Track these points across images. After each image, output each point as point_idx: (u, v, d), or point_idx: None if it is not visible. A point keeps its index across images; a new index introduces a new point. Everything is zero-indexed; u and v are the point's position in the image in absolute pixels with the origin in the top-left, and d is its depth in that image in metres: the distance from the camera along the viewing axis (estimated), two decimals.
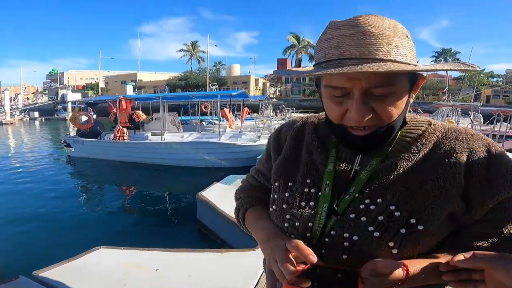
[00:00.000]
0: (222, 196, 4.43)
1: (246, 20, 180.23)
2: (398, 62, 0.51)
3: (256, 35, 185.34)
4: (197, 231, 4.57)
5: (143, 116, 11.05)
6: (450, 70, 0.54)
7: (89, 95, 37.37)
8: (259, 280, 2.25)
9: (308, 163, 0.67)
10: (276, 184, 0.70)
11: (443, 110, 16.06)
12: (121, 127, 9.91)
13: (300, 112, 19.24)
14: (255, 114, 18.26)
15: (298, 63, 42.90)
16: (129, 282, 2.35)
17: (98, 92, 43.60)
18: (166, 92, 31.86)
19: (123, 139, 9.82)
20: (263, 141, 8.85)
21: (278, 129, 0.79)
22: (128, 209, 6.42)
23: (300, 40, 44.56)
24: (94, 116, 11.41)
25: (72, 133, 11.94)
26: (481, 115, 15.49)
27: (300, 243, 0.54)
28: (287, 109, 15.93)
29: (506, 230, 0.56)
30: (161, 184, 7.97)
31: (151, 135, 10.18)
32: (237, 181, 5.25)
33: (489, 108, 15.35)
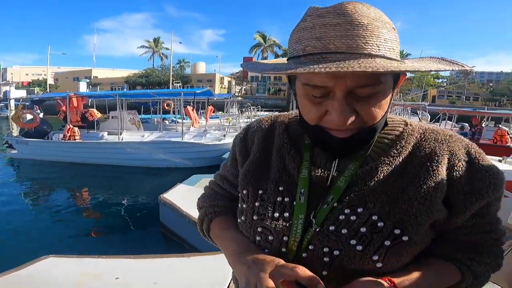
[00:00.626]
0: (186, 197, 4.29)
1: (212, 17, 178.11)
2: (387, 58, 0.46)
3: (222, 33, 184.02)
4: (161, 235, 4.39)
5: (98, 115, 10.34)
6: (444, 70, 0.50)
7: (35, 92, 34.15)
8: (229, 285, 2.19)
9: (280, 169, 0.60)
10: (244, 192, 0.62)
11: (395, 109, 17.29)
12: (71, 126, 9.18)
13: (265, 111, 19.46)
14: (220, 112, 18.09)
15: None
16: None
17: (46, 89, 40.07)
18: (125, 90, 30.28)
19: (74, 139, 9.12)
20: (229, 139, 8.77)
21: (245, 129, 0.70)
22: (82, 214, 5.93)
23: (266, 39, 45.04)
24: (41, 115, 10.44)
25: (15, 132, 10.88)
26: (428, 114, 16.98)
27: (306, 270, 0.48)
28: (253, 108, 16.01)
29: (488, 236, 0.56)
30: (120, 186, 7.51)
31: (108, 134, 9.60)
32: (202, 181, 5.11)
33: (436, 108, 16.92)
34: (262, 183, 0.61)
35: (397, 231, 0.50)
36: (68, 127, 9.14)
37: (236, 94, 37.72)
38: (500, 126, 12.59)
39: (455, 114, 14.39)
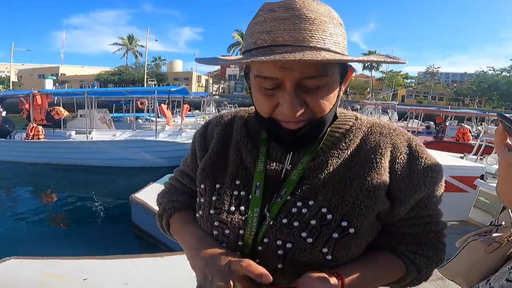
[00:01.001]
0: None
1: (191, 15, 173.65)
2: (332, 51, 0.48)
3: (200, 31, 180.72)
4: (133, 235, 4.30)
5: (64, 113, 9.84)
6: (379, 61, 0.53)
7: None
8: None
9: (237, 163, 0.61)
10: (202, 186, 0.63)
11: (368, 108, 17.99)
12: (35, 125, 8.72)
13: None
14: (197, 111, 17.87)
15: None
16: None
17: (9, 87, 37.56)
18: (96, 87, 29.05)
19: (38, 138, 8.67)
20: None
21: (205, 125, 0.72)
22: (48, 216, 5.66)
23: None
24: (4, 113, 9.80)
25: None
26: (396, 114, 17.84)
27: (252, 263, 0.49)
28: (230, 106, 15.95)
29: (428, 227, 0.58)
30: (90, 187, 7.25)
31: (76, 133, 9.21)
32: None
33: (404, 107, 17.82)
34: (219, 177, 0.62)
35: (344, 224, 0.52)
36: (31, 126, 8.67)
37: (214, 92, 37.43)
38: (463, 124, 13.48)
39: (421, 113, 15.21)
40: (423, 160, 0.56)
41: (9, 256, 2.45)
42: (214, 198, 0.60)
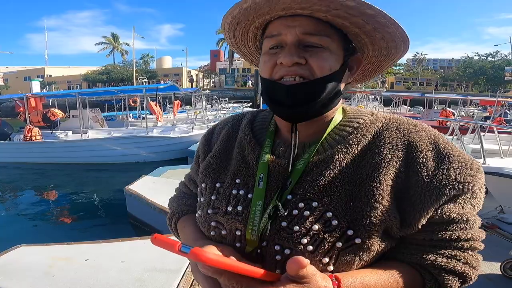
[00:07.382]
0: (151, 188, 4.49)
1: (167, 12, 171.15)
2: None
3: (181, 27, 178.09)
4: (130, 224, 4.57)
5: (60, 114, 10.05)
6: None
7: None
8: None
9: (239, 160, 0.59)
10: (203, 185, 0.61)
11: (357, 96, 18.32)
12: (31, 127, 8.96)
13: (234, 103, 19.58)
14: (188, 106, 17.97)
15: (231, 54, 42.82)
16: (58, 273, 2.38)
17: None
18: (85, 88, 28.77)
19: (36, 139, 8.91)
20: (196, 132, 9.00)
21: (211, 128, 0.71)
22: (51, 209, 5.97)
23: None
24: None
25: None
26: (380, 100, 18.22)
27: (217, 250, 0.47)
28: (221, 100, 16.06)
29: (463, 235, 0.49)
30: (88, 182, 7.53)
31: (73, 133, 9.44)
32: (167, 172, 5.33)
33: (390, 93, 18.15)
34: (221, 176, 0.60)
35: (350, 232, 0.47)
36: (28, 127, 8.90)
37: (205, 87, 37.30)
38: (445, 107, 13.87)
39: (405, 98, 15.61)
40: (454, 159, 0.49)
41: (19, 244, 2.72)
42: (213, 197, 0.58)
